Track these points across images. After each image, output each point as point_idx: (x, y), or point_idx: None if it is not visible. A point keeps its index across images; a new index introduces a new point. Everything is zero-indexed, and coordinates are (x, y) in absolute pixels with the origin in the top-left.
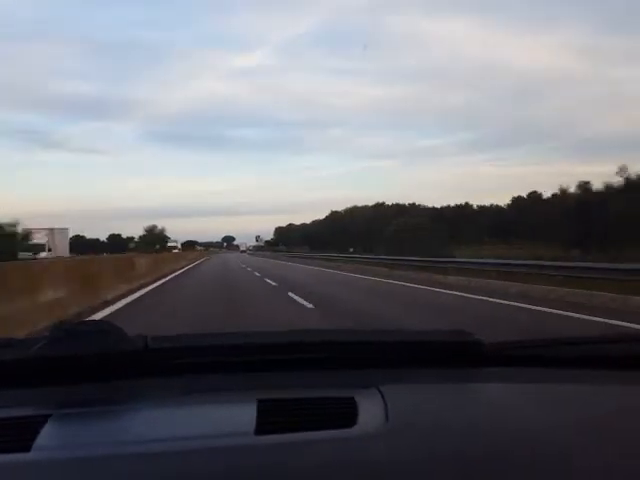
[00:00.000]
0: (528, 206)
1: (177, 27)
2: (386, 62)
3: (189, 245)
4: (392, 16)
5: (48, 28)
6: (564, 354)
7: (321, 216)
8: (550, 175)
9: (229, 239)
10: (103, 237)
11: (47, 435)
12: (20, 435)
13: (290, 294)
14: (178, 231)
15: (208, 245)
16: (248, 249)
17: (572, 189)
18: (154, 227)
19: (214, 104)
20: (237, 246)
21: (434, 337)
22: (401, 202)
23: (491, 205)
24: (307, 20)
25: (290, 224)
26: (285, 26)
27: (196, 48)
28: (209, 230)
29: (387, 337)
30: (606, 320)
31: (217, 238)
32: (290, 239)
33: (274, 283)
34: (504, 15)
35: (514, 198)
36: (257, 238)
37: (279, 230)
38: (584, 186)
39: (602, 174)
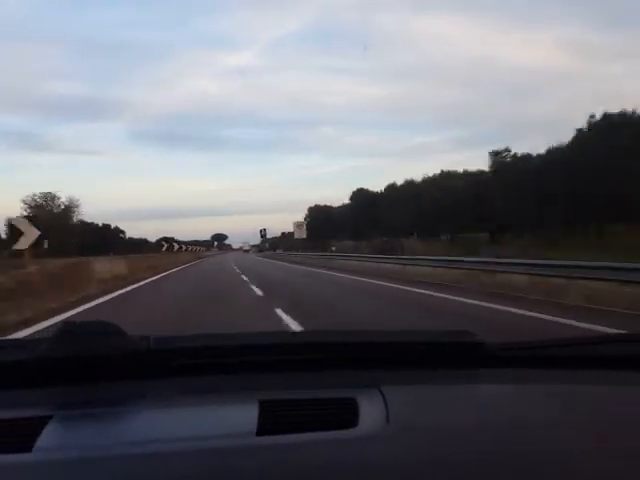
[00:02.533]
0: None
1: (171, 27)
2: (380, 60)
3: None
4: (385, 13)
5: (39, 28)
6: (565, 355)
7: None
8: None
9: (220, 237)
10: None
11: (49, 436)
12: (22, 436)
13: None
14: (173, 230)
15: (193, 244)
16: (252, 249)
17: None
18: (50, 196)
19: (208, 104)
20: (229, 245)
21: (435, 338)
22: None
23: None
24: (299, 19)
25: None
26: (277, 25)
27: (190, 48)
28: (201, 230)
29: (388, 337)
30: None
31: (206, 236)
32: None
33: None
34: (497, 13)
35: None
36: (262, 232)
37: (317, 210)
38: None
39: None
